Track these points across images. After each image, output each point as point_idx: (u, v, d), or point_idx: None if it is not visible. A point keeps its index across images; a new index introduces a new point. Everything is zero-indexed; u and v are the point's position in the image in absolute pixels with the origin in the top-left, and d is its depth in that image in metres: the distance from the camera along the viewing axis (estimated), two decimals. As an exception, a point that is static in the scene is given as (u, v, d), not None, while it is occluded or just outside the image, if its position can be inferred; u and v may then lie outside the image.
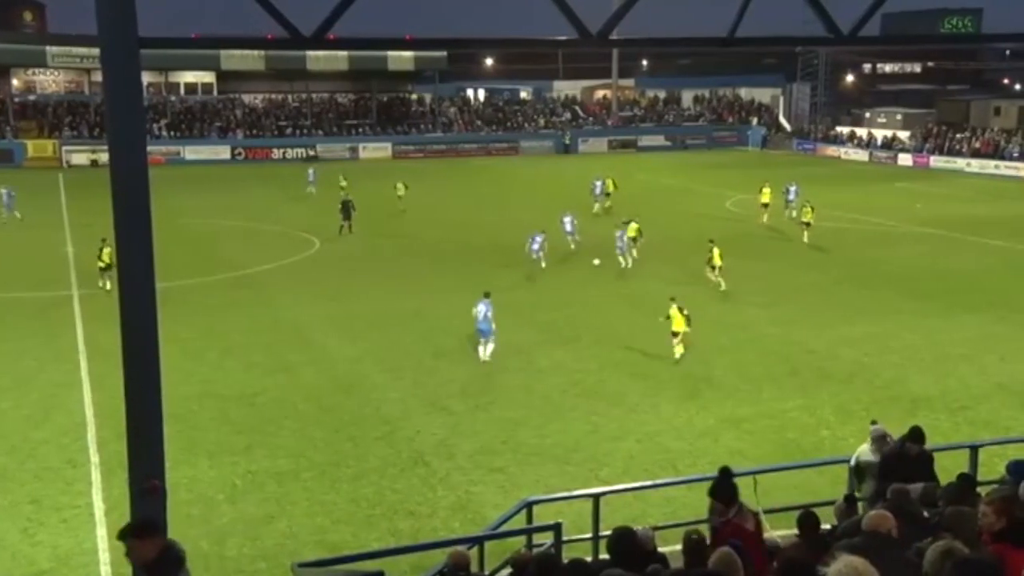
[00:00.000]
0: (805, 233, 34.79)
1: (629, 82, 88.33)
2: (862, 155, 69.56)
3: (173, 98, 74.64)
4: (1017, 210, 44.21)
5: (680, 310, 20.97)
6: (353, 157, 71.05)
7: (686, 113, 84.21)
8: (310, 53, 67.57)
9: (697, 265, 29.63)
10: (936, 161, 63.84)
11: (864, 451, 11.33)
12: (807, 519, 8.32)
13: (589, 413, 18.00)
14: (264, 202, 47.47)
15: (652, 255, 32.05)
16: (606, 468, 15.40)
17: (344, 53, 69.35)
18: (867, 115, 78.12)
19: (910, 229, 38.24)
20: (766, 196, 39.42)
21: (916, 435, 10.51)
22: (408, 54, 73.49)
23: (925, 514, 7.66)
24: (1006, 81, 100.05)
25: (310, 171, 50.20)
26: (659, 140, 78.33)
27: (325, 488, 14.85)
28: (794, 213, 37.99)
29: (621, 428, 17.27)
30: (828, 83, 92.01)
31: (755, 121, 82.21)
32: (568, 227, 33.72)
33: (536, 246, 30.50)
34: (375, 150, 72.11)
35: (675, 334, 21.04)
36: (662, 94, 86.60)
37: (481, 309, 21.29)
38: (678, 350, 21.04)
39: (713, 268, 27.72)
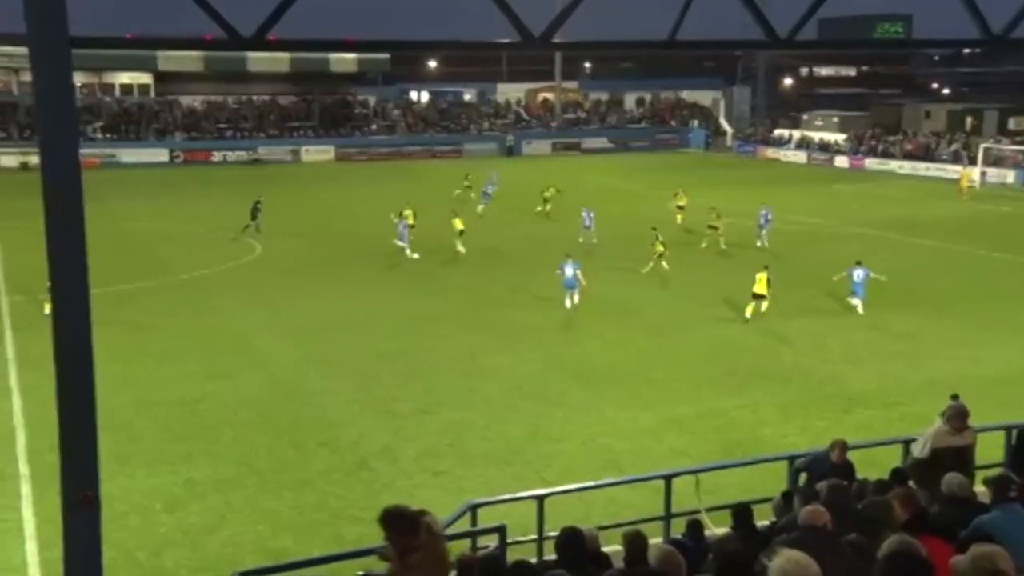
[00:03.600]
0: (706, 239, 34.04)
1: (573, 84, 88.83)
2: (801, 157, 70.73)
3: (108, 99, 73.14)
4: (947, 210, 45.31)
5: (767, 279, 24.62)
6: (295, 160, 70.30)
7: (629, 115, 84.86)
8: (250, 54, 66.82)
9: (632, 265, 29.96)
10: (871, 163, 65.18)
11: (940, 434, 9.89)
12: (741, 512, 8.48)
13: (533, 415, 18.05)
14: (205, 206, 46.76)
15: (596, 256, 32.26)
16: (549, 469, 15.45)
17: (285, 55, 68.68)
18: (805, 118, 79.52)
19: (847, 229, 38.96)
20: (681, 199, 39.67)
21: None
22: (351, 56, 73.01)
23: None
24: (935, 85, 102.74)
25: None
26: (603, 142, 78.75)
27: (267, 495, 14.67)
28: (764, 243, 34.34)
29: (564, 429, 17.34)
30: (767, 86, 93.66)
31: (696, 124, 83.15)
32: (587, 222, 35.21)
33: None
34: (318, 153, 71.42)
35: (757, 296, 24.55)
36: (605, 96, 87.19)
37: (569, 270, 25.09)
38: (749, 310, 24.41)
39: (657, 256, 29.63)
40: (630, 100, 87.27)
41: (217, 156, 69.47)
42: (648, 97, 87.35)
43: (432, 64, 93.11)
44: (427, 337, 23.38)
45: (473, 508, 11.07)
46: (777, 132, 77.31)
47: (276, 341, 23.25)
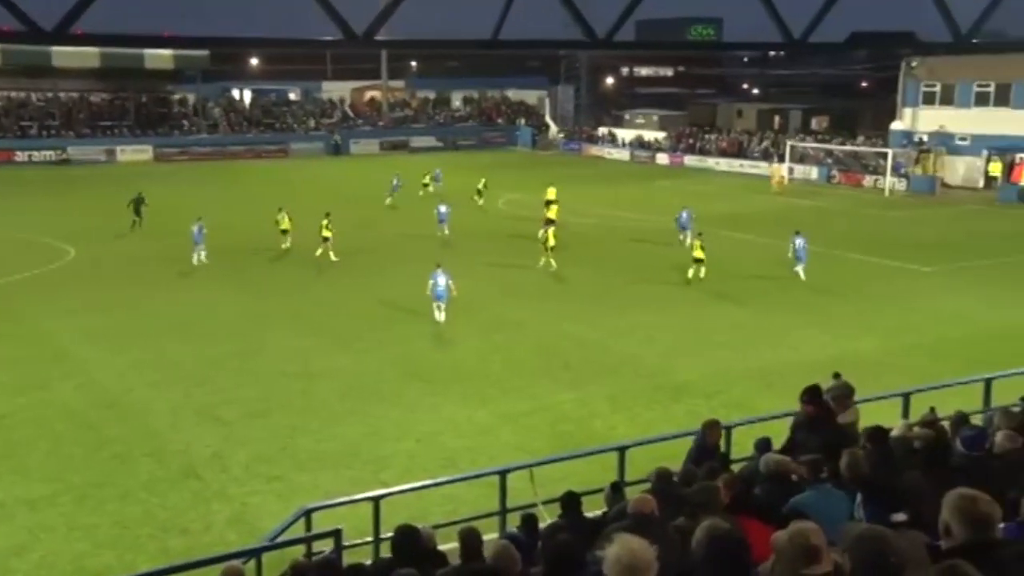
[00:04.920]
0: (548, 232, 33.03)
1: (399, 83, 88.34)
2: (624, 154, 72.95)
3: None
4: (760, 205, 47.79)
5: (701, 245, 28.92)
6: (110, 160, 66.84)
7: (456, 114, 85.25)
8: (55, 48, 62.93)
9: (469, 262, 30.15)
10: (690, 160, 67.95)
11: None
12: (568, 500, 8.73)
13: (369, 416, 17.89)
14: (9, 209, 43.77)
15: (424, 256, 32.26)
16: (387, 470, 15.35)
17: (95, 49, 65.05)
18: (627, 116, 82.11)
19: (670, 225, 40.43)
20: (551, 194, 40.56)
21: (812, 394, 9.44)
22: (167, 52, 69.85)
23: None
24: (746, 86, 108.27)
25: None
26: (431, 141, 78.79)
27: (87, 511, 13.90)
28: (688, 240, 33.45)
29: (401, 429, 17.26)
30: (590, 85, 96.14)
31: (523, 122, 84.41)
32: (442, 217, 35.97)
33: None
34: (135, 153, 68.16)
35: (697, 260, 28.59)
36: (432, 95, 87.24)
37: (441, 280, 23.68)
38: (691, 272, 28.61)
39: (549, 249, 30.39)
40: (457, 99, 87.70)
41: (21, 156, 65.22)
42: (475, 95, 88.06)
43: (254, 61, 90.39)
44: (259, 340, 22.75)
45: (307, 513, 10.86)
46: (601, 130, 79.50)
47: (96, 348, 22.06)
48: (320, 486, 14.56)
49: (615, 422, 17.67)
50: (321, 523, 10.88)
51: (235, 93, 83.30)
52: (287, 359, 21.24)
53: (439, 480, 13.24)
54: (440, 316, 23.94)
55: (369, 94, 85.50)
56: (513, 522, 10.79)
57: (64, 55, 65.72)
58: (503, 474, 11.75)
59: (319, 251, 31.69)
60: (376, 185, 47.83)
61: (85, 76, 72.85)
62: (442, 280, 23.96)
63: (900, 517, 4.69)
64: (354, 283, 29.01)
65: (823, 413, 9.54)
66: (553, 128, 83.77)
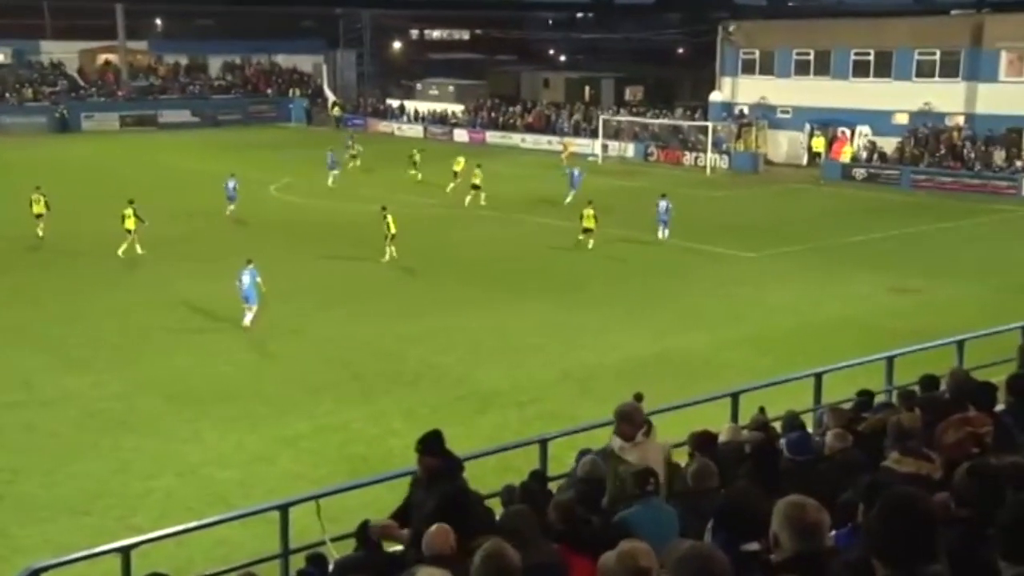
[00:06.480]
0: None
1: (141, 44, 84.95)
2: (417, 130, 72.99)
3: None
4: (566, 186, 48.99)
5: (593, 215, 32.58)
6: None
7: (215, 84, 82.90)
8: None
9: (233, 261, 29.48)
10: (492, 137, 68.84)
11: (615, 438, 8.80)
12: (362, 533, 8.72)
13: (115, 449, 17.31)
14: None
15: (180, 253, 31.33)
16: (139, 514, 14.88)
17: None
18: (419, 87, 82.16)
19: (470, 212, 40.92)
20: (459, 165, 44.56)
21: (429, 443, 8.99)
22: None
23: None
24: (552, 52, 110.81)
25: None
26: (185, 116, 76.50)
27: None
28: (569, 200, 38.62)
29: (157, 463, 16.80)
30: (375, 50, 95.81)
31: (296, 93, 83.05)
32: (231, 192, 38.05)
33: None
34: None
35: (587, 230, 32.51)
36: (184, 60, 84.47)
37: (246, 278, 23.83)
38: (589, 242, 32.58)
39: (390, 238, 30.97)
40: (216, 65, 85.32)
41: None
42: (238, 61, 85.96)
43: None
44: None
45: (34, 574, 10.25)
46: (389, 102, 79.22)
47: None
48: (51, 541, 13.90)
49: (414, 441, 17.68)
50: (54, 586, 10.34)
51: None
52: (6, 384, 20.23)
53: (205, 521, 12.80)
54: (246, 321, 24.19)
55: (103, 57, 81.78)
56: (298, 565, 10.63)
57: None
58: (283, 509, 11.51)
59: (123, 247, 31.29)
60: (130, 168, 45.55)
61: None
62: (246, 279, 24.08)
63: (752, 547, 4.92)
64: (119, 283, 28.21)
65: (445, 467, 8.77)
66: (331, 99, 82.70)
